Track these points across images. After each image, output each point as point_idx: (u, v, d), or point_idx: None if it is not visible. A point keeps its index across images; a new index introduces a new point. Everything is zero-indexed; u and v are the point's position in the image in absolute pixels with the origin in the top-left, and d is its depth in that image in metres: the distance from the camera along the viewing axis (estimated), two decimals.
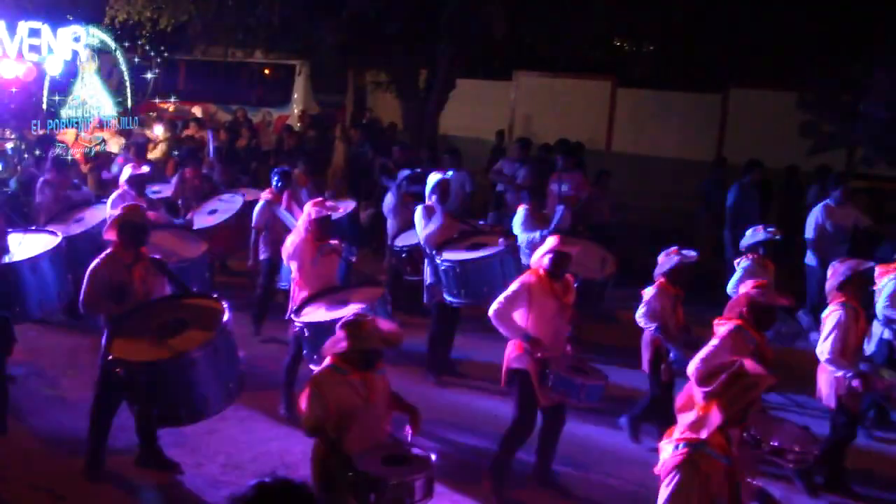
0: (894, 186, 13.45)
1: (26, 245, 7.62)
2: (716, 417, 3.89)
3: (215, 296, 6.33)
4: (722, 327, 6.06)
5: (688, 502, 3.88)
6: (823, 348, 6.69)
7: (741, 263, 8.42)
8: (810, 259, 10.58)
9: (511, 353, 6.50)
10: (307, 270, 7.46)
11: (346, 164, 15.19)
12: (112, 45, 13.26)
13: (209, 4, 14.46)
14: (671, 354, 7.23)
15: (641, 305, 7.36)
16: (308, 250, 7.46)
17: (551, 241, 6.51)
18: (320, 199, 8.00)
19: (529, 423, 6.52)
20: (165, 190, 11.20)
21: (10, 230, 7.87)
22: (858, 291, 6.93)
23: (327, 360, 5.06)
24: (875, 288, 7.65)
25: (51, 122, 11.82)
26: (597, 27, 15.73)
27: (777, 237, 8.48)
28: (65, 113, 12.11)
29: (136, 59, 14.63)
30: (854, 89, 13.57)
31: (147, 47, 15.43)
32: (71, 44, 12.92)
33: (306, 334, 6.95)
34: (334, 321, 6.63)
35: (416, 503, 4.80)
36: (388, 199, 10.55)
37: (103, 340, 6.28)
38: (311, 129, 17.98)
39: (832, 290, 6.90)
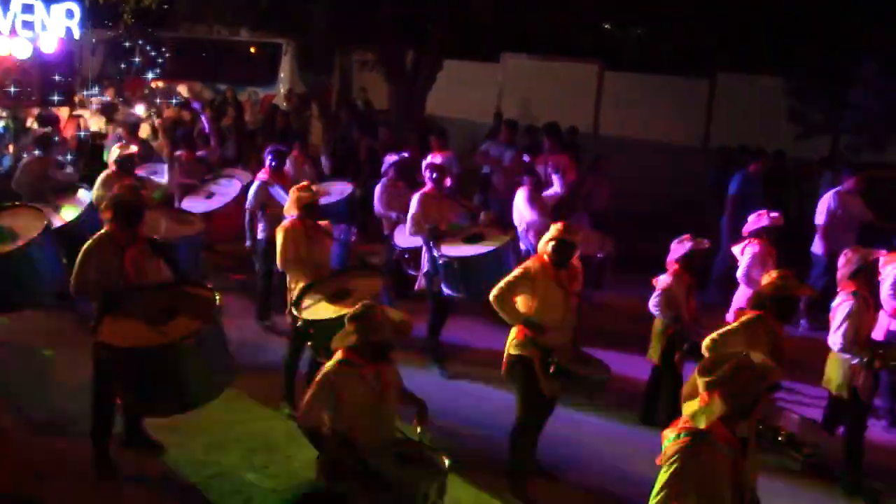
0: (881, 174, 13.49)
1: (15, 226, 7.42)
2: (717, 408, 3.81)
3: (209, 286, 6.20)
4: (744, 318, 5.96)
5: (683, 491, 3.80)
6: (835, 338, 6.60)
7: (749, 248, 8.29)
8: (816, 247, 10.51)
9: (513, 338, 6.37)
10: (300, 258, 7.33)
11: (324, 144, 15.13)
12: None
13: None
14: (685, 345, 7.07)
15: (655, 294, 7.24)
16: (300, 238, 7.34)
17: (555, 229, 6.34)
18: (305, 182, 7.85)
19: (533, 412, 6.39)
20: (161, 172, 11.05)
21: None
22: (870, 281, 6.89)
23: (337, 354, 4.93)
24: (879, 277, 7.52)
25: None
26: (584, 10, 15.68)
27: (780, 223, 8.40)
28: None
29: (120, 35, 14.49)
30: (842, 77, 13.60)
31: (131, 24, 15.29)
32: (64, 20, 12.78)
33: (311, 331, 6.82)
34: (336, 319, 6.49)
35: None
36: (379, 188, 10.29)
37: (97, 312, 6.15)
38: (306, 109, 17.76)
39: (843, 279, 6.82)
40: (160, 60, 19.05)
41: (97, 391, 6.26)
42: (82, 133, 13.17)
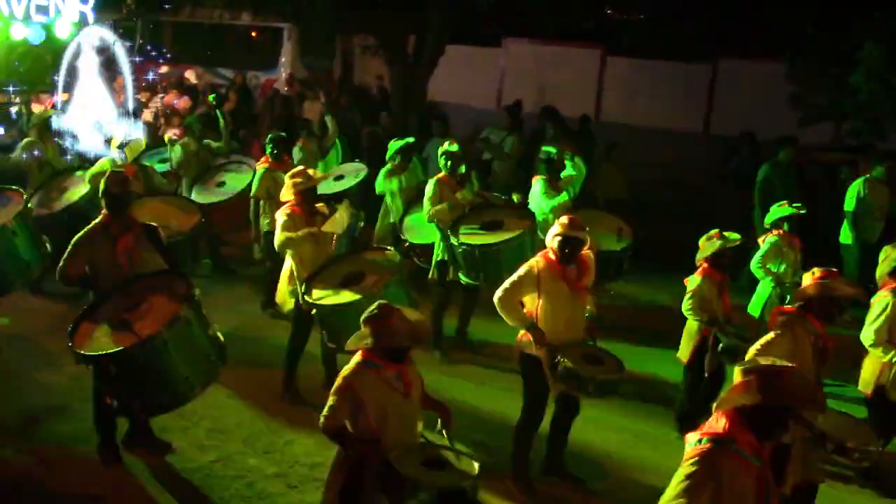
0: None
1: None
2: (748, 397, 3.64)
3: (183, 271, 6.19)
4: (782, 317, 5.74)
5: (696, 496, 3.61)
6: (867, 332, 6.51)
7: (768, 239, 8.21)
8: (846, 236, 10.36)
9: (521, 335, 6.25)
10: (304, 245, 7.24)
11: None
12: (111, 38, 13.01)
13: None
14: (721, 344, 6.90)
15: (688, 296, 7.06)
16: (301, 224, 7.25)
17: (560, 224, 6.13)
18: (300, 168, 7.76)
19: (539, 412, 6.30)
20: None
21: None
22: None
23: (357, 356, 4.77)
24: None
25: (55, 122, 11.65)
26: None
27: (803, 211, 8.26)
28: (69, 113, 11.92)
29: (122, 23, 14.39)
30: (844, 62, 13.55)
31: (133, 7, 15.22)
32: (79, 5, 12.70)
33: (324, 319, 6.77)
34: (349, 305, 6.54)
35: None
36: (381, 175, 10.06)
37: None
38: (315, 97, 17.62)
39: (883, 276, 6.70)
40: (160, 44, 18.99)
41: (95, 390, 6.22)
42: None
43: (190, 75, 19.01)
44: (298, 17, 16.39)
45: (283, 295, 7.56)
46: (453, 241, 8.19)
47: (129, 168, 8.99)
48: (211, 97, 13.71)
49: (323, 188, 9.35)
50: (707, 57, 20.46)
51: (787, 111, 15.14)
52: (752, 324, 7.52)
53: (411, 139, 10.21)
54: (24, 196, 7.49)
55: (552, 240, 6.13)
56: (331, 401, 4.64)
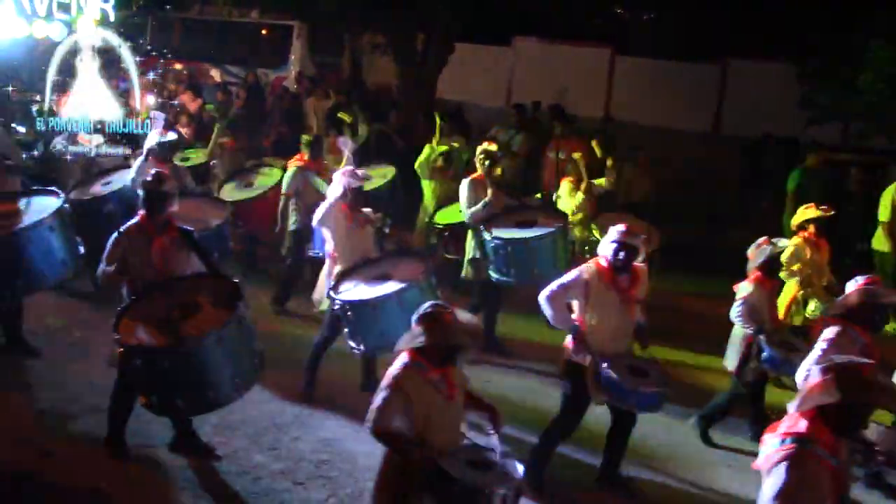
0: (887, 160, 13.41)
1: (33, 208, 7.36)
2: (830, 395, 3.64)
3: (235, 279, 6.10)
4: (828, 329, 5.69)
5: (794, 502, 3.60)
6: None
7: (791, 241, 8.10)
8: (881, 243, 10.22)
9: (570, 343, 6.15)
10: (342, 242, 7.25)
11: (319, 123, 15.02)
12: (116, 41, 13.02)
13: None
14: (764, 354, 6.84)
15: (737, 303, 6.97)
16: (342, 221, 7.23)
17: (617, 231, 6.05)
18: (351, 167, 7.74)
19: (573, 420, 6.24)
20: (194, 157, 10.96)
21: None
22: None
23: (404, 356, 4.71)
24: None
25: (52, 119, 11.62)
26: None
27: (830, 214, 8.22)
28: (65, 112, 11.89)
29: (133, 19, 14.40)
30: (852, 62, 13.50)
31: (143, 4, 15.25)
32: (100, 3, 12.73)
33: (348, 313, 6.75)
34: (378, 298, 6.64)
35: None
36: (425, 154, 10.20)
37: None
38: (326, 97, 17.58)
39: None
40: (169, 41, 19.01)
41: (117, 386, 6.21)
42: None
43: (215, 74, 19.01)
44: (307, 14, 16.41)
45: (321, 293, 7.56)
46: (485, 235, 8.19)
47: (161, 168, 9.00)
48: (209, 106, 13.70)
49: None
50: (716, 57, 20.42)
51: (796, 111, 15.10)
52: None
53: (456, 143, 10.33)
54: (61, 195, 7.47)
55: (606, 247, 6.05)
56: (379, 401, 4.57)
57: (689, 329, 9.54)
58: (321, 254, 7.96)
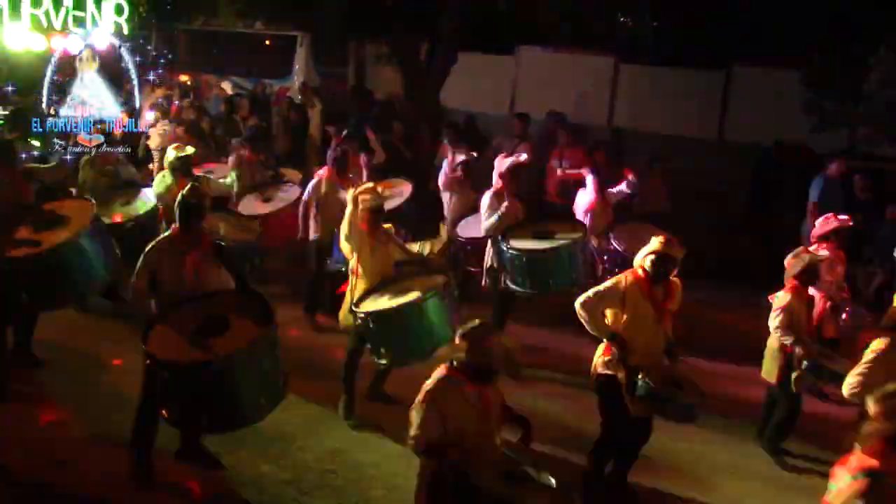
0: (894, 167, 13.36)
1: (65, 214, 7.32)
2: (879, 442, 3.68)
3: (263, 297, 6.04)
4: (877, 340, 5.64)
5: None
6: None
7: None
8: None
9: (600, 355, 6.13)
10: (366, 261, 7.15)
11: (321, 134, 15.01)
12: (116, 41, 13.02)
13: None
14: (805, 364, 6.78)
15: (775, 312, 6.92)
16: (365, 241, 7.16)
17: (658, 242, 6.03)
18: (370, 185, 7.69)
19: (618, 433, 6.17)
20: (218, 172, 10.86)
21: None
22: None
23: (441, 370, 4.73)
24: None
25: (50, 120, 11.64)
26: (600, 3, 15.62)
27: (850, 225, 8.17)
28: (63, 112, 11.92)
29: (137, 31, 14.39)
30: (857, 68, 13.50)
31: (146, 16, 15.28)
32: (114, 16, 12.78)
33: (370, 325, 6.73)
34: (399, 308, 6.66)
35: None
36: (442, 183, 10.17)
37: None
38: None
39: None
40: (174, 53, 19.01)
41: (142, 400, 6.10)
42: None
43: (226, 86, 19.03)
44: (311, 25, 16.44)
45: (345, 311, 7.46)
46: (502, 245, 8.16)
47: (183, 182, 8.94)
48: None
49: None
50: (720, 64, 20.40)
51: (801, 118, 15.08)
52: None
53: (474, 154, 10.35)
54: (93, 207, 7.43)
55: (644, 258, 6.01)
56: (417, 417, 4.59)
57: (701, 337, 9.49)
58: (343, 268, 7.88)
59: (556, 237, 8.17)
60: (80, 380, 7.81)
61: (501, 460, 4.80)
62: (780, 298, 6.97)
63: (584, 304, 6.00)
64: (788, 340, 6.84)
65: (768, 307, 7.17)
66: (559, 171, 12.19)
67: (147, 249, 6.14)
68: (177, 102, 15.43)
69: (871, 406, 3.79)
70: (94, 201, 7.60)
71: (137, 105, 12.98)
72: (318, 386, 7.65)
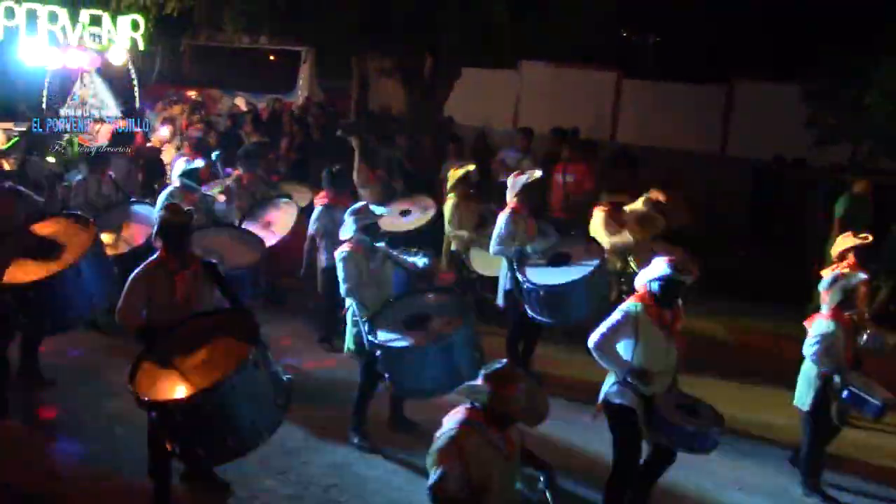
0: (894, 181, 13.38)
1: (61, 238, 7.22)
2: None
3: (249, 312, 5.90)
4: None
5: None
6: None
7: (835, 271, 7.82)
8: None
9: (611, 385, 5.98)
10: (362, 283, 7.01)
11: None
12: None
13: None
14: (844, 394, 6.67)
15: (813, 340, 6.76)
16: (361, 261, 7.02)
17: (664, 264, 5.87)
18: (362, 204, 7.56)
19: (633, 465, 6.04)
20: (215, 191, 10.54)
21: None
22: None
23: (461, 412, 4.54)
24: None
25: (50, 120, 11.68)
26: (603, 18, 15.69)
27: (869, 242, 8.08)
28: (63, 112, 11.96)
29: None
30: (858, 82, 13.53)
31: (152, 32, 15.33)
32: (129, 32, 12.83)
33: (390, 361, 6.65)
34: (418, 346, 6.54)
35: None
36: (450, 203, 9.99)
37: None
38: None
39: None
40: (178, 68, 19.13)
41: (150, 436, 5.94)
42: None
43: (240, 102, 19.10)
44: (315, 40, 16.50)
45: (349, 336, 7.32)
46: (518, 276, 8.05)
47: (190, 197, 8.90)
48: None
49: (390, 226, 9.29)
50: (722, 78, 20.47)
51: (803, 132, 15.11)
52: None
53: (471, 167, 10.19)
54: (95, 229, 7.34)
55: (652, 282, 5.87)
56: (441, 465, 4.39)
57: (707, 355, 9.43)
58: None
59: (573, 263, 7.99)
60: (81, 395, 7.81)
61: (524, 501, 4.68)
62: (819, 325, 6.80)
63: (598, 346, 5.87)
64: (826, 369, 6.71)
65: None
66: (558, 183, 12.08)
67: (134, 275, 5.96)
68: (184, 118, 15.52)
69: None
70: (93, 221, 7.54)
71: (137, 105, 12.99)
72: (322, 402, 7.66)
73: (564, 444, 7.37)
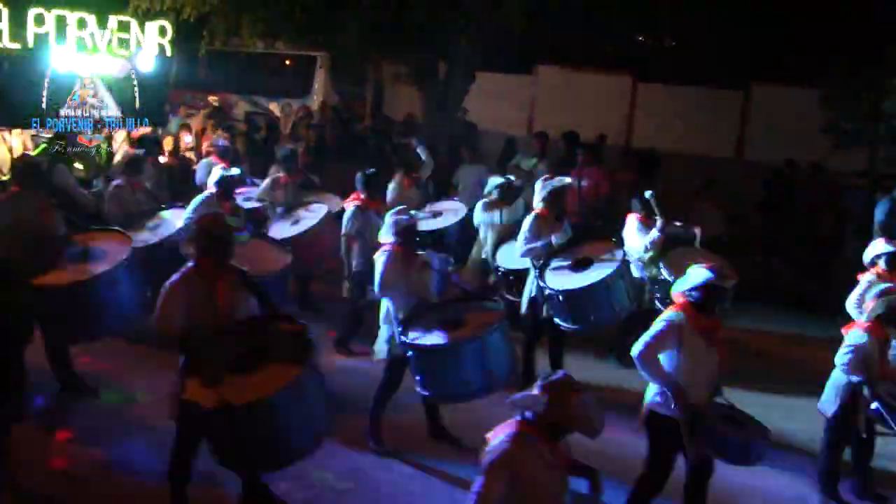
0: None
1: (100, 247, 7.28)
2: None
3: (301, 322, 5.81)
4: None
5: None
6: None
7: (864, 277, 7.87)
8: None
9: (654, 395, 5.87)
10: (398, 286, 6.93)
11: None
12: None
13: None
14: (873, 406, 6.56)
15: (846, 350, 6.66)
16: (398, 264, 6.95)
17: (705, 272, 5.76)
18: (402, 206, 7.50)
19: (664, 478, 5.95)
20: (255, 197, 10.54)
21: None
22: None
23: (511, 426, 4.41)
24: None
25: (50, 120, 11.74)
26: (618, 22, 15.69)
27: None
28: (63, 112, 12.00)
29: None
30: (877, 87, 13.48)
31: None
32: (157, 38, 12.88)
33: (422, 361, 6.55)
34: (452, 344, 6.47)
35: None
36: (478, 208, 9.90)
37: (181, 363, 5.72)
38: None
39: None
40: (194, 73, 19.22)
41: (178, 444, 5.84)
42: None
43: (274, 108, 19.20)
44: (331, 45, 16.56)
45: (381, 341, 7.25)
46: (539, 282, 8.03)
47: (226, 204, 8.92)
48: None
49: (421, 225, 9.00)
50: (739, 83, 20.41)
51: (820, 137, 15.06)
52: None
53: (511, 177, 10.19)
54: (130, 240, 7.31)
55: (692, 290, 5.76)
56: (487, 478, 4.28)
57: (747, 366, 9.23)
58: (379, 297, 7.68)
59: (594, 265, 7.92)
60: (100, 402, 7.84)
61: None
62: (854, 335, 6.70)
63: (642, 356, 5.73)
64: (857, 380, 6.63)
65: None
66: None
67: (170, 283, 5.81)
68: (202, 123, 15.58)
69: None
70: (129, 234, 7.53)
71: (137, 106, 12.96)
72: (339, 406, 7.63)
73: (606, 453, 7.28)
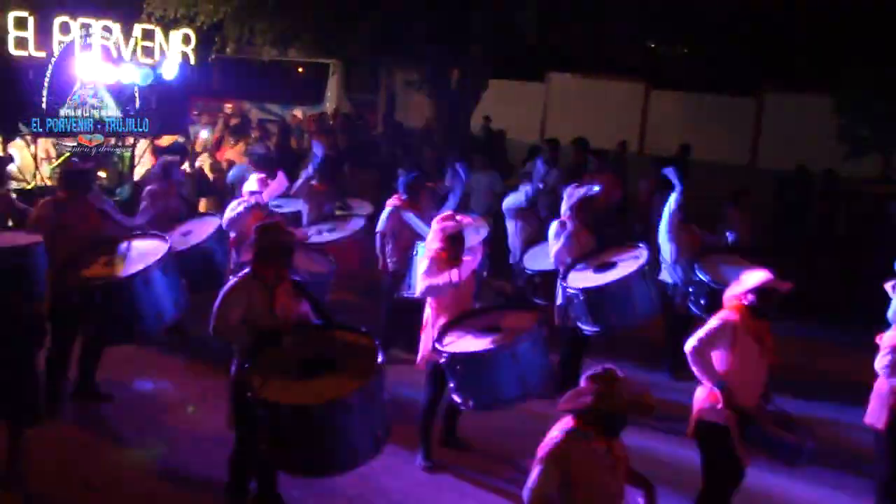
0: None
1: (135, 253, 7.26)
2: None
3: (364, 329, 5.80)
4: None
5: None
6: None
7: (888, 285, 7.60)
8: None
9: (705, 401, 5.73)
10: (443, 288, 6.82)
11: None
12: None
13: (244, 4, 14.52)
14: None
15: (885, 353, 6.45)
16: (443, 269, 6.81)
17: (762, 275, 5.68)
18: (450, 213, 7.42)
19: (726, 490, 5.77)
20: (286, 205, 10.47)
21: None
22: None
23: (566, 421, 4.35)
24: None
25: (50, 120, 11.77)
26: (630, 29, 15.65)
27: None
28: (63, 112, 12.02)
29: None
30: (891, 94, 13.42)
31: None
32: (181, 46, 12.93)
33: (456, 367, 6.46)
34: (489, 351, 6.34)
35: None
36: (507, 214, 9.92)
37: (232, 369, 5.79)
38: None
39: None
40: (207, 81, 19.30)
41: (241, 446, 5.87)
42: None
43: (298, 112, 19.26)
44: (343, 52, 16.61)
45: (425, 346, 7.09)
46: (561, 283, 7.93)
47: (257, 213, 8.80)
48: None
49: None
50: (752, 90, 20.36)
51: (833, 144, 15.00)
52: None
53: (540, 185, 10.22)
54: (167, 243, 7.30)
55: (748, 293, 5.68)
56: (539, 470, 4.23)
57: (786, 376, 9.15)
58: (412, 294, 7.67)
59: (618, 266, 7.79)
60: (122, 406, 7.83)
61: None
62: (890, 337, 6.48)
63: (695, 351, 5.61)
64: (894, 382, 6.42)
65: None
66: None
67: (229, 289, 5.85)
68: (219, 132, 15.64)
69: None
70: (166, 238, 7.51)
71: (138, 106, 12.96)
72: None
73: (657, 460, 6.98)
